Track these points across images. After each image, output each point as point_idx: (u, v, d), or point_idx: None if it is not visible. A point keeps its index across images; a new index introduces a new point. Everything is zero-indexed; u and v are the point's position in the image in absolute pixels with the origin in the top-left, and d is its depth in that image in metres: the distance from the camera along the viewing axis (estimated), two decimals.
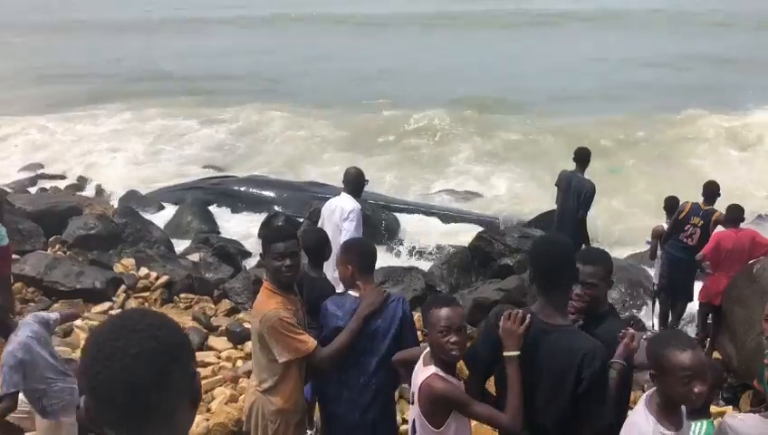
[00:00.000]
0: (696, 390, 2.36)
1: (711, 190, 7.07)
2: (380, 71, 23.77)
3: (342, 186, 6.18)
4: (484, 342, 2.93)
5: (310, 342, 3.36)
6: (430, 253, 9.88)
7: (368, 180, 6.28)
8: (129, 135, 16.40)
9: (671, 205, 7.52)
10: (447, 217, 11.46)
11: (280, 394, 3.44)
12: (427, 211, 11.78)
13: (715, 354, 6.64)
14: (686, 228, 6.99)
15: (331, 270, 4.97)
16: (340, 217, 5.86)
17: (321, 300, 4.07)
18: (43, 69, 24.51)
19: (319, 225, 6.08)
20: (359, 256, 3.56)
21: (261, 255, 3.58)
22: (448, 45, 29.93)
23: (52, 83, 22.38)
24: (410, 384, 3.06)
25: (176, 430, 1.36)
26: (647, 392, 2.61)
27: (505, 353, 2.73)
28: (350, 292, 3.53)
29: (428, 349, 2.96)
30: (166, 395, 1.31)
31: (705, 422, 3.02)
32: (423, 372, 2.86)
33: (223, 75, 23.37)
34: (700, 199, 7.06)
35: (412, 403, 2.97)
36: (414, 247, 10.18)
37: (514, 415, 2.67)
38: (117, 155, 15.11)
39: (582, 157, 7.72)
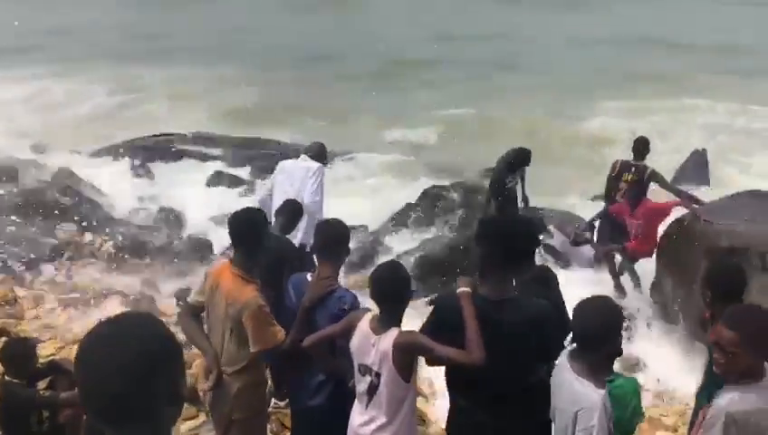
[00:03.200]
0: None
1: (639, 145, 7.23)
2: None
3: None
4: (433, 331, 3.03)
5: (280, 334, 3.41)
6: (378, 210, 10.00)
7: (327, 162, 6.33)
8: None
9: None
10: None
11: (246, 374, 3.51)
12: None
13: None
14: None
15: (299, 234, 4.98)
16: (305, 175, 5.84)
17: (278, 260, 4.07)
18: None
19: (269, 184, 6.10)
20: (318, 237, 3.53)
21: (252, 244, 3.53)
22: None
23: None
24: (350, 357, 3.14)
25: (157, 426, 1.46)
26: None
27: (459, 290, 2.90)
28: (309, 275, 3.54)
29: (368, 314, 3.11)
30: (145, 401, 1.40)
31: None
32: (386, 337, 3.00)
33: None
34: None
35: (364, 374, 3.08)
36: (362, 205, 10.27)
37: (475, 347, 2.77)
38: None
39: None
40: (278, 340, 3.40)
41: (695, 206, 6.54)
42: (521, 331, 2.85)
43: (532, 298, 3.01)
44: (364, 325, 3.09)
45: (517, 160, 7.74)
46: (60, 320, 6.19)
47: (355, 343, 3.11)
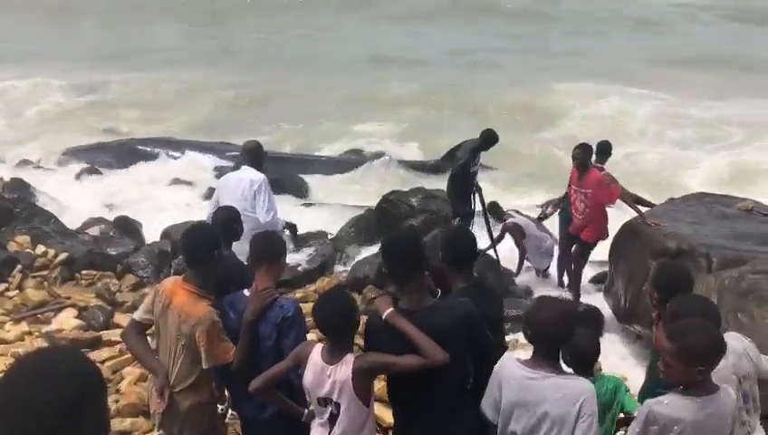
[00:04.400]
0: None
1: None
2: None
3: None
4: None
5: (231, 351, 3.38)
6: (338, 214, 10.01)
7: (267, 152, 6.17)
8: None
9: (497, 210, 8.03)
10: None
11: (195, 392, 3.49)
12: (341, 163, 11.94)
13: None
14: None
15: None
16: (249, 189, 5.67)
17: (226, 277, 4.05)
18: None
19: (214, 200, 5.92)
20: (253, 249, 3.51)
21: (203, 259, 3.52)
22: None
23: None
24: (306, 392, 3.11)
25: None
26: None
27: (384, 316, 2.96)
28: (246, 291, 3.49)
29: (318, 346, 3.09)
30: (75, 433, 1.41)
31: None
32: (342, 365, 2.98)
33: None
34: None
35: (324, 405, 3.04)
36: (321, 209, 10.29)
37: (432, 350, 2.84)
38: None
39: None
40: (228, 358, 3.38)
41: (641, 208, 6.65)
42: (448, 333, 2.93)
43: (451, 300, 3.14)
44: (316, 358, 3.05)
45: (486, 143, 7.54)
46: (10, 335, 6.05)
47: (309, 377, 3.05)
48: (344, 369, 2.97)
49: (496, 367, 2.93)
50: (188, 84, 17.45)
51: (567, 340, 2.89)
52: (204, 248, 3.53)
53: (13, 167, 11.23)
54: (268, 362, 3.27)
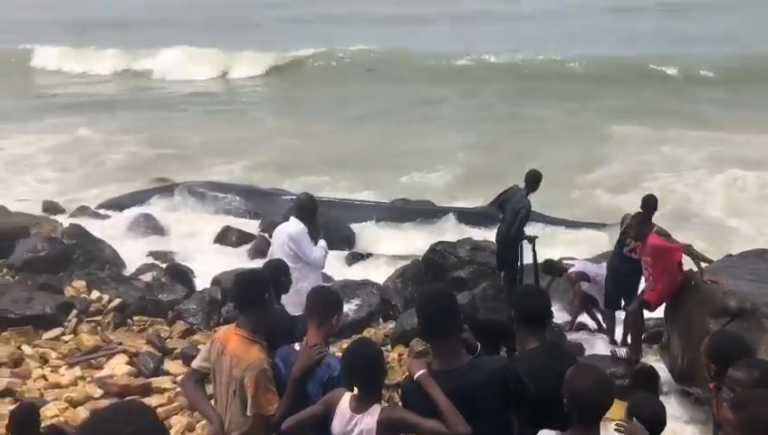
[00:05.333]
0: None
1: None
2: None
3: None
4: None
5: (275, 404, 3.40)
6: (385, 264, 9.98)
7: (318, 206, 6.26)
8: None
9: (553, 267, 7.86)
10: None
11: None
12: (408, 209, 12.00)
13: None
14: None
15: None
16: (288, 243, 5.79)
17: (274, 330, 4.09)
18: None
19: (269, 251, 6.09)
20: (307, 304, 3.54)
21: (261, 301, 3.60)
22: None
23: None
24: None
25: None
26: None
27: (415, 377, 2.93)
28: (297, 344, 3.53)
29: (347, 395, 3.10)
30: None
31: None
32: (368, 415, 3.01)
33: None
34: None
35: None
36: (368, 259, 10.29)
37: (454, 421, 2.80)
38: None
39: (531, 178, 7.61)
40: (271, 410, 3.40)
41: (702, 264, 6.44)
42: (481, 391, 2.90)
43: (486, 358, 3.14)
44: (344, 406, 3.10)
45: (534, 185, 7.56)
46: (65, 379, 6.19)
47: (337, 425, 3.10)
48: (369, 420, 3.00)
49: None
50: (255, 132, 18.07)
51: (606, 410, 2.80)
52: (254, 292, 3.60)
53: (72, 213, 11.62)
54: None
